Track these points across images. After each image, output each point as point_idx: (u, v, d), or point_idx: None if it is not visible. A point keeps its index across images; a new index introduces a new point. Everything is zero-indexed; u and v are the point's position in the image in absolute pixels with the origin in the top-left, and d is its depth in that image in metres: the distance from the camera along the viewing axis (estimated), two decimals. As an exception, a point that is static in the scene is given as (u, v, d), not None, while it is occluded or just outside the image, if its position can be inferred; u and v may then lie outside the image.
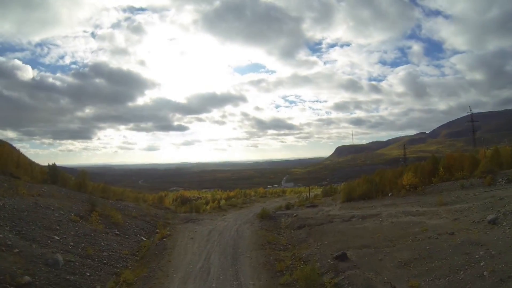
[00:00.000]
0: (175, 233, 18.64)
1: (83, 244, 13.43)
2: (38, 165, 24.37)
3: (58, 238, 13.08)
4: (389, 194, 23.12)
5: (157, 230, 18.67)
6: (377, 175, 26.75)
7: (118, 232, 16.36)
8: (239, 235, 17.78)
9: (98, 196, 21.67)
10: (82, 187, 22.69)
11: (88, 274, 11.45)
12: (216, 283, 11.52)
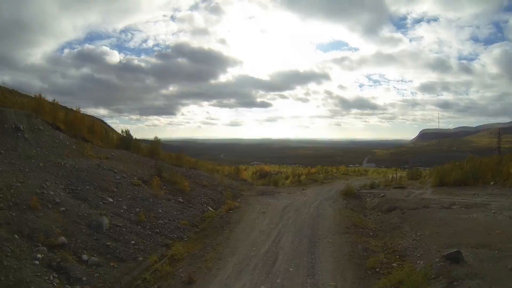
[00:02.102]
0: (245, 205, 16.58)
1: (137, 209, 12.02)
2: (116, 132, 24.23)
3: (111, 200, 12.01)
4: (491, 183, 19.62)
5: (225, 200, 16.67)
6: (472, 161, 23.55)
7: (182, 200, 14.79)
8: (320, 213, 15.09)
9: (171, 164, 20.64)
10: (154, 154, 21.51)
11: (133, 242, 9.90)
12: (282, 279, 8.78)
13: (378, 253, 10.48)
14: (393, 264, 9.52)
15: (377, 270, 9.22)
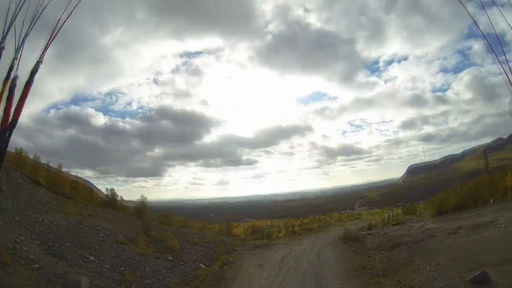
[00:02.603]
0: (239, 260, 15.56)
1: (122, 268, 10.96)
2: (101, 192, 23.31)
3: (93, 258, 10.96)
4: (491, 200, 19.23)
5: (218, 256, 15.65)
6: (465, 186, 23.09)
7: (171, 258, 13.71)
8: (321, 260, 14.12)
9: (159, 223, 19.55)
10: (141, 213, 20.43)
11: None
12: None
13: None
14: None
15: None
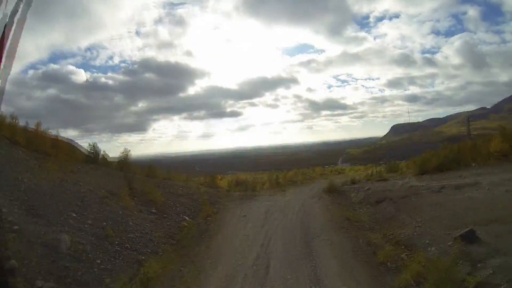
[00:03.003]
0: (224, 211, 15.49)
1: (104, 223, 10.53)
2: (83, 148, 22.64)
3: (75, 215, 10.38)
4: (473, 165, 19.91)
5: (202, 208, 15.46)
6: (447, 148, 24.14)
7: (155, 211, 13.41)
8: (307, 212, 14.11)
9: (143, 176, 19.20)
10: (124, 167, 20.01)
11: (98, 261, 8.38)
12: None
13: (382, 246, 9.54)
14: (402, 256, 8.65)
15: (388, 264, 8.30)
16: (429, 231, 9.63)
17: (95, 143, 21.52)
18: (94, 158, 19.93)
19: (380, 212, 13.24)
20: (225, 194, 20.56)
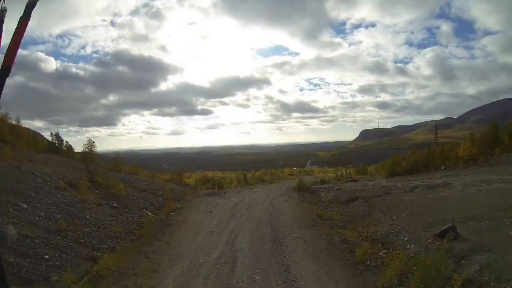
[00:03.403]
0: (189, 207, 14.85)
1: (58, 216, 9.76)
2: (46, 139, 21.54)
3: (26, 206, 9.63)
4: (442, 168, 20.54)
5: (166, 203, 14.80)
6: (416, 153, 24.43)
7: (116, 205, 12.69)
8: (276, 209, 13.61)
9: (108, 170, 18.70)
10: (88, 159, 19.04)
11: (47, 257, 7.62)
12: None
13: (358, 244, 9.10)
14: (380, 254, 8.23)
15: (368, 263, 7.83)
16: (406, 228, 9.37)
17: (57, 132, 20.80)
18: (56, 147, 19.23)
19: (353, 211, 13.00)
20: (192, 191, 19.92)
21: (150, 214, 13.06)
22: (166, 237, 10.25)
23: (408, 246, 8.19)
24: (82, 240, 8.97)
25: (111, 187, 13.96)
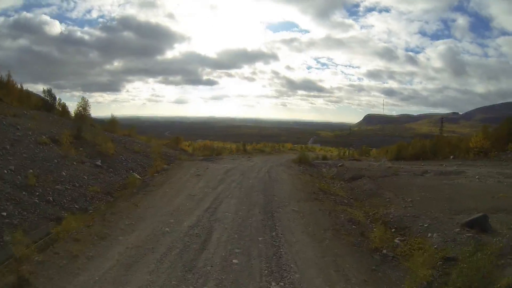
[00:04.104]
0: (177, 168, 13.94)
1: (30, 170, 8.81)
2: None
3: None
4: (451, 157, 19.67)
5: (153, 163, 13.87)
6: (420, 142, 23.18)
7: (100, 164, 11.68)
8: (273, 178, 12.45)
9: (102, 130, 17.65)
10: (82, 119, 17.94)
11: (4, 214, 6.67)
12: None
13: (368, 226, 7.68)
14: (395, 241, 6.79)
15: (384, 251, 6.26)
16: (426, 213, 8.01)
17: (50, 89, 19.74)
18: (50, 105, 18.27)
19: (358, 188, 11.75)
20: (187, 156, 19.01)
21: (137, 176, 12.02)
22: (137, 198, 9.18)
23: (430, 235, 6.76)
24: (51, 198, 8.03)
25: (98, 146, 12.95)
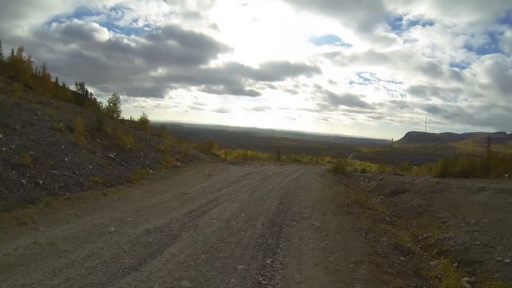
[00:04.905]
0: (191, 167, 12.98)
1: (31, 152, 8.15)
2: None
3: (1, 136, 8.22)
4: (506, 175, 16.94)
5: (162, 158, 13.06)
6: (467, 159, 20.50)
7: (112, 156, 10.84)
8: (300, 185, 10.98)
9: (129, 127, 16.82)
10: (110, 116, 17.54)
11: None
12: None
13: (420, 254, 5.78)
14: (462, 283, 4.85)
15: None
16: (501, 241, 6.21)
17: (82, 83, 19.83)
18: (80, 98, 18.12)
19: (402, 204, 10.13)
20: (217, 161, 17.87)
21: (151, 171, 11.19)
22: (120, 193, 8.12)
23: None
24: (41, 181, 7.22)
25: (117, 139, 12.21)
